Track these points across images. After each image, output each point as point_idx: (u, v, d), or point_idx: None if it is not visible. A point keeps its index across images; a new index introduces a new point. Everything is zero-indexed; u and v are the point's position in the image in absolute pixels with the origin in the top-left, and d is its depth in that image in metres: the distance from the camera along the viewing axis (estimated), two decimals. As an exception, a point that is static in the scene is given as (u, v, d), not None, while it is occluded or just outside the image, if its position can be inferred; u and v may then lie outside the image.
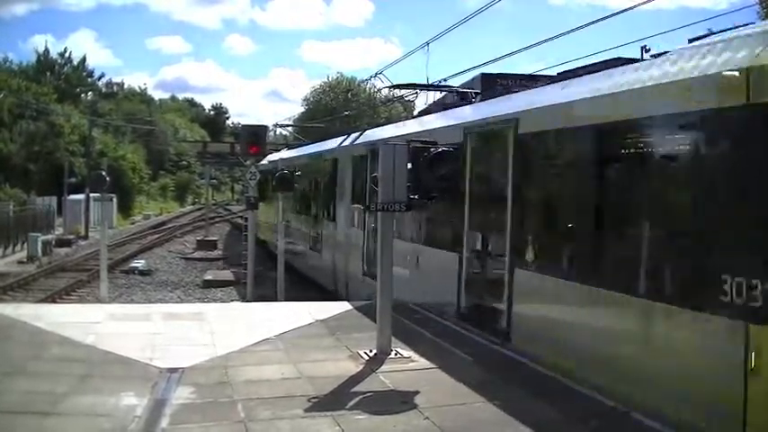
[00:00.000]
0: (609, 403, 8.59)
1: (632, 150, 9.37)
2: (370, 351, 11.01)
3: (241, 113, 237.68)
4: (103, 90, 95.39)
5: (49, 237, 40.42)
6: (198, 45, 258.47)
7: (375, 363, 10.56)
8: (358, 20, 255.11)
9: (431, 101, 20.37)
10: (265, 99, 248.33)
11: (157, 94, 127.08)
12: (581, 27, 16.86)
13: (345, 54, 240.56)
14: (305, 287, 28.16)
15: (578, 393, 9.11)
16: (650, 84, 8.67)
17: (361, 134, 21.90)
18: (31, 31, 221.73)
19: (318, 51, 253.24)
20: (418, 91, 22.82)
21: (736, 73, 7.19)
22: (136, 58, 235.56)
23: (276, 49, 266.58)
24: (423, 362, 10.70)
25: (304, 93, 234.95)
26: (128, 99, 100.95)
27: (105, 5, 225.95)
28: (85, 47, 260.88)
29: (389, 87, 19.56)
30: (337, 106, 76.84)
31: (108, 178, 21.41)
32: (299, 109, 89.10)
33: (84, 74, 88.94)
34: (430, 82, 20.81)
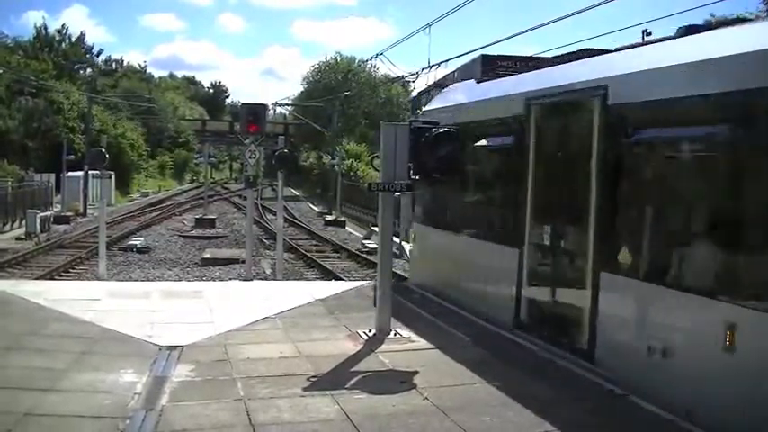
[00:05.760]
0: (607, 386, 8.63)
1: None
2: (370, 331, 11.04)
3: (236, 91, 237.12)
4: (102, 67, 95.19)
5: (48, 214, 40.37)
6: (191, 22, 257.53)
7: (374, 342, 10.59)
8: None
9: (431, 82, 20.26)
10: (260, 77, 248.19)
11: (152, 72, 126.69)
12: (580, 11, 16.77)
13: (339, 33, 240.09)
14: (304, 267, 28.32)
15: (577, 376, 9.16)
16: None
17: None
18: (25, 7, 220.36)
19: (311, 30, 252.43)
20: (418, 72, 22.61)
21: None
22: (129, 35, 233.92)
23: (269, 27, 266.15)
24: (422, 342, 10.73)
25: (299, 71, 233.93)
26: (127, 76, 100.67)
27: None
28: (79, 23, 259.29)
29: None
30: (336, 86, 76.83)
31: (107, 155, 21.37)
32: (293, 87, 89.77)
33: (83, 50, 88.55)
34: (431, 63, 20.61)
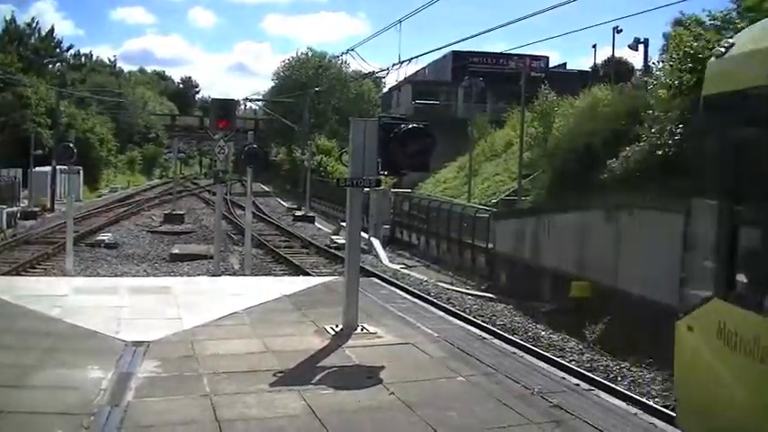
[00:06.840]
0: (572, 380, 8.73)
1: None
2: (337, 326, 11.07)
3: (207, 87, 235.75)
4: (71, 61, 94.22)
5: (14, 209, 39.99)
6: (161, 16, 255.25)
7: (341, 338, 10.62)
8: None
9: (401, 77, 20.32)
10: (230, 72, 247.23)
11: (122, 66, 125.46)
12: (552, 8, 16.95)
13: (310, 28, 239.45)
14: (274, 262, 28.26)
15: (541, 370, 9.25)
16: None
17: None
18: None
19: (282, 25, 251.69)
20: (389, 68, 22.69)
21: None
22: (98, 29, 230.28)
23: (239, 22, 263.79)
24: (389, 337, 10.78)
25: (270, 67, 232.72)
26: (96, 71, 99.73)
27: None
28: (46, 17, 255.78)
29: None
30: (307, 82, 76.80)
31: (75, 150, 21.26)
32: (264, 83, 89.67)
33: (53, 44, 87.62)
34: (402, 59, 20.66)
